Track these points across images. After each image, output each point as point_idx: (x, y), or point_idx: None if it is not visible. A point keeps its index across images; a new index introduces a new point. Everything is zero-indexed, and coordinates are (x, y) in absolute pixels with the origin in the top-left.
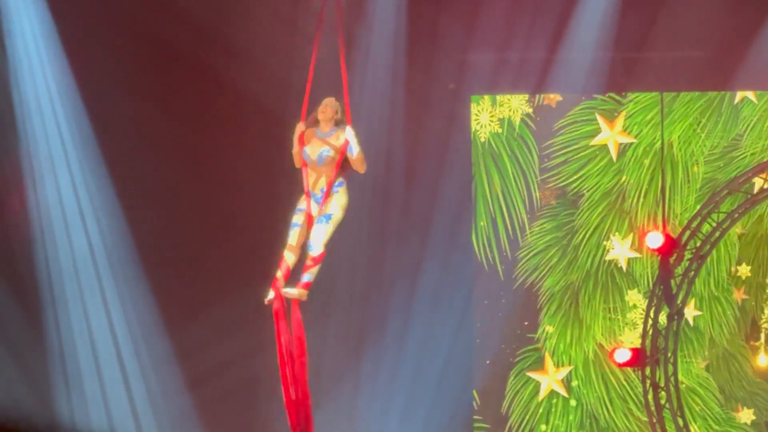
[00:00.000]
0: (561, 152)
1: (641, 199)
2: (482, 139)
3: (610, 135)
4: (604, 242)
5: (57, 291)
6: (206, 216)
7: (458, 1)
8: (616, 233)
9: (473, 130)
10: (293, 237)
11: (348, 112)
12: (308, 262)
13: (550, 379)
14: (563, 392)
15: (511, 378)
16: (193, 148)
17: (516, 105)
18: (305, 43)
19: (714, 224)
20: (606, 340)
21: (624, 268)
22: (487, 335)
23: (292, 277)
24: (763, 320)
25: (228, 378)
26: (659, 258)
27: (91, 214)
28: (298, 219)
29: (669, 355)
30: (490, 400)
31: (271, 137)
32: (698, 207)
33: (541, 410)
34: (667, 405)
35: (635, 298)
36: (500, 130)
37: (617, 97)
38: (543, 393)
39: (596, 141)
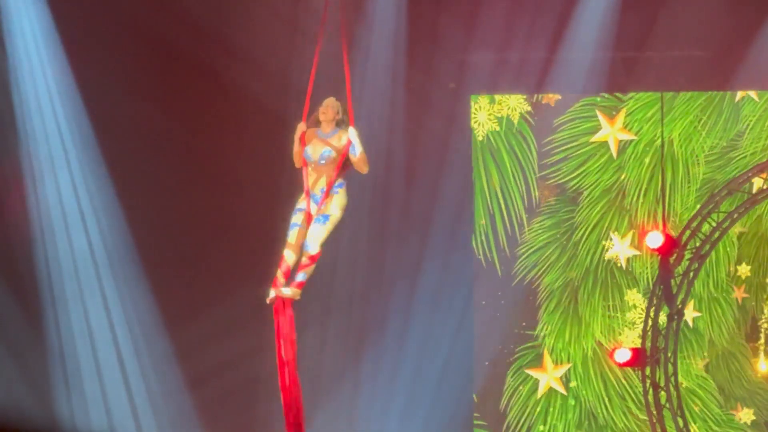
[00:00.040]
0: (561, 149)
1: (641, 197)
2: (480, 138)
3: (611, 132)
4: (604, 240)
5: (57, 291)
6: (206, 216)
7: (458, 1)
8: (616, 231)
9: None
10: (293, 237)
11: (351, 112)
12: (304, 261)
13: (548, 377)
14: (561, 390)
15: (510, 375)
16: (193, 148)
17: (514, 104)
18: (305, 43)
19: (714, 224)
20: (605, 338)
21: (623, 266)
22: (487, 335)
23: (292, 277)
24: (763, 320)
25: (228, 378)
26: (659, 258)
27: (91, 214)
28: (297, 219)
29: (669, 355)
30: (489, 400)
31: (271, 137)
32: (698, 207)
33: (539, 409)
34: (667, 405)
35: (635, 298)
36: (498, 129)
37: (618, 94)
38: (541, 390)
39: (596, 138)
